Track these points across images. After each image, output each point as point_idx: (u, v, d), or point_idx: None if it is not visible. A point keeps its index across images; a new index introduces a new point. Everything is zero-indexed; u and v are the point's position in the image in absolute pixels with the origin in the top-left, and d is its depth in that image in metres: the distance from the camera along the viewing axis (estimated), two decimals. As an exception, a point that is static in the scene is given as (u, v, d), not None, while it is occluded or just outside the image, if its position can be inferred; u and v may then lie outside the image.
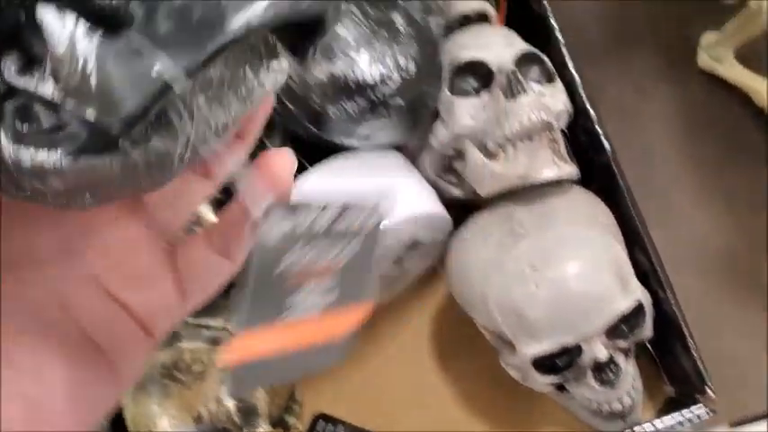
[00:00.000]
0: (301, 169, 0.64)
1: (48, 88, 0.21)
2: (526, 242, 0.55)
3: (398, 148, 0.64)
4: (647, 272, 0.59)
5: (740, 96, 0.74)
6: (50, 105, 0.22)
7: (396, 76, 0.55)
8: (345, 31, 0.55)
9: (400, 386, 0.66)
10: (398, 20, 0.56)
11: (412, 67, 0.56)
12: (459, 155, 0.62)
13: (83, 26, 0.20)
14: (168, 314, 0.30)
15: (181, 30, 0.21)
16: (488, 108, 0.59)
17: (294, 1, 0.22)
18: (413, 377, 0.66)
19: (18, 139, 0.21)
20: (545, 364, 0.55)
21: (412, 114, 0.58)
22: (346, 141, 0.60)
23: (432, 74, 0.58)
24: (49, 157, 0.22)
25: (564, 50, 0.64)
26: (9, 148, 0.22)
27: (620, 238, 0.59)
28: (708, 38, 0.75)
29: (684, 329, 0.58)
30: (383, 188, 0.61)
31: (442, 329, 0.68)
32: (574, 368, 0.55)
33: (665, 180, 0.71)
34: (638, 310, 0.55)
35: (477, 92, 0.61)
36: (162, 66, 0.21)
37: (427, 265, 0.67)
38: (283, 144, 0.65)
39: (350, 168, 0.61)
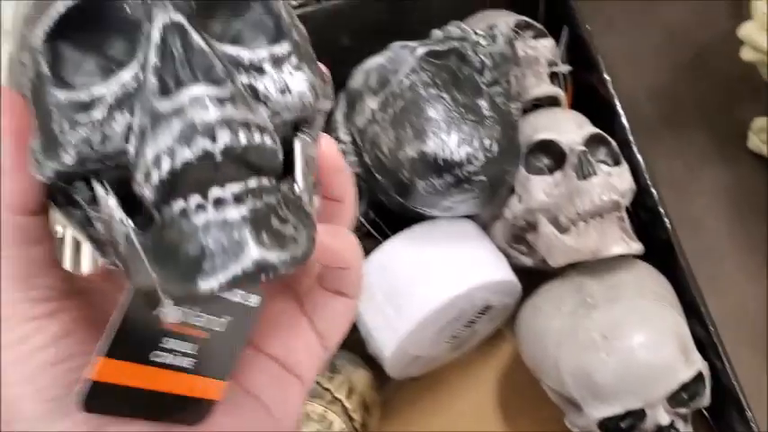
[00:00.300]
0: (381, 233, 0.70)
1: (99, 226, 0.27)
2: (597, 313, 0.60)
3: (471, 217, 0.70)
4: (704, 343, 0.63)
5: (788, 178, 0.80)
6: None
7: (481, 155, 0.61)
8: (437, 114, 0.61)
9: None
10: (483, 105, 0.62)
11: (495, 148, 0.61)
12: (531, 227, 0.67)
13: (121, 213, 0.25)
14: (314, 359, 0.33)
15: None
16: (561, 186, 0.64)
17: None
18: (479, 433, 0.71)
19: (85, 231, 0.28)
20: (610, 426, 0.59)
21: (492, 190, 0.63)
22: (428, 212, 0.65)
23: (512, 153, 0.63)
24: (100, 257, 0.29)
25: (628, 133, 0.69)
26: (78, 231, 0.28)
27: (681, 310, 0.64)
28: (758, 122, 0.80)
29: (742, 399, 0.62)
30: (460, 256, 0.67)
31: (507, 388, 0.72)
32: (637, 431, 0.59)
33: (716, 254, 0.76)
34: (698, 379, 0.60)
35: (551, 170, 0.66)
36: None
37: (495, 327, 0.72)
38: (367, 210, 0.70)
39: (429, 236, 0.67)
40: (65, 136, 0.25)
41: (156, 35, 0.25)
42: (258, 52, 0.27)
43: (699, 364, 0.60)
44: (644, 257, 0.67)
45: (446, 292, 0.62)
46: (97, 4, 0.26)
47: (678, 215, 0.68)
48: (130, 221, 0.25)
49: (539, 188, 0.65)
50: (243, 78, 0.26)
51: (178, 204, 0.25)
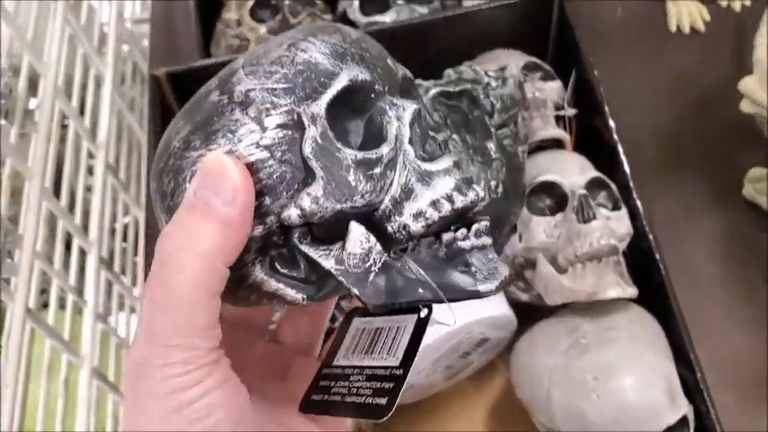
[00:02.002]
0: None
1: (329, 263, 0.33)
2: (589, 355, 0.62)
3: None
4: (690, 387, 0.66)
5: (780, 227, 0.82)
6: (314, 268, 0.34)
7: (485, 196, 0.63)
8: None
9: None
10: (491, 147, 0.64)
11: (500, 189, 0.63)
12: (530, 265, 0.69)
13: (379, 246, 0.33)
14: None
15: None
16: (561, 227, 0.67)
17: None
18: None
19: (276, 274, 0.34)
20: (597, 463, 0.62)
21: (495, 228, 0.65)
22: (433, 247, 0.68)
23: (516, 195, 0.65)
24: (295, 294, 0.34)
25: (629, 178, 0.71)
26: (260, 275, 0.34)
27: (670, 354, 0.66)
28: (754, 172, 0.83)
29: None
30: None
31: (498, 419, 0.74)
32: (622, 470, 0.62)
33: (708, 301, 0.78)
34: (683, 422, 0.62)
35: (552, 211, 0.68)
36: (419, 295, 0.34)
37: (489, 359, 0.75)
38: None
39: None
40: (361, 184, 0.33)
41: (407, 117, 0.35)
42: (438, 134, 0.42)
43: (684, 408, 0.62)
44: (637, 300, 0.69)
45: (441, 326, 0.64)
46: (356, 90, 0.34)
47: (673, 259, 0.70)
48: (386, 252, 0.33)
49: (539, 228, 0.68)
50: None
51: (448, 235, 0.35)
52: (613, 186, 0.70)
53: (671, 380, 0.62)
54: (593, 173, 0.70)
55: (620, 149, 0.72)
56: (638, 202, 0.70)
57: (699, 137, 0.89)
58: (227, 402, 0.31)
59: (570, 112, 0.75)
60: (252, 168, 0.32)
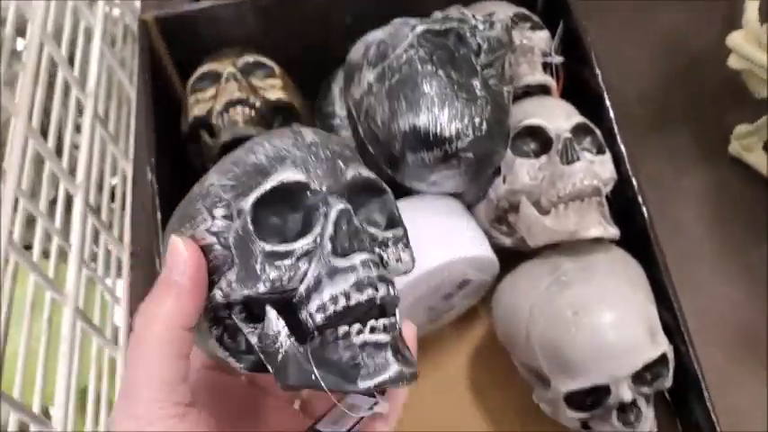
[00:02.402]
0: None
1: (253, 339, 0.39)
2: (569, 291, 0.62)
3: (457, 196, 0.72)
4: (671, 329, 0.66)
5: (764, 183, 0.82)
6: (249, 344, 0.40)
7: (470, 132, 0.63)
8: (431, 90, 0.63)
9: (437, 413, 0.72)
10: (476, 85, 0.64)
11: (484, 127, 0.63)
12: (514, 208, 0.69)
13: (286, 331, 0.38)
14: None
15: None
16: (545, 169, 0.67)
17: None
18: (450, 405, 0.73)
19: (221, 344, 0.40)
20: (575, 400, 0.62)
21: (478, 168, 0.65)
22: (416, 186, 0.68)
23: (500, 134, 0.66)
24: (236, 363, 0.40)
25: (615, 126, 0.71)
26: (213, 342, 0.40)
27: (651, 296, 0.66)
28: (740, 129, 0.83)
29: (703, 385, 0.64)
30: (443, 229, 0.69)
31: (479, 363, 0.75)
32: (601, 407, 0.62)
33: (692, 252, 0.79)
34: (663, 360, 0.62)
35: (537, 154, 0.69)
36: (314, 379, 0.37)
37: (470, 304, 0.75)
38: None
39: (415, 210, 0.69)
40: (265, 273, 0.37)
41: (332, 216, 0.38)
42: (384, 233, 0.42)
43: (664, 346, 0.62)
44: (620, 245, 0.69)
45: (427, 262, 0.65)
46: (290, 189, 0.39)
47: (658, 215, 0.70)
48: (292, 337, 0.38)
49: (523, 170, 0.68)
50: (376, 249, 0.41)
51: (343, 329, 0.38)
52: (598, 132, 0.71)
53: (651, 317, 0.62)
54: (578, 118, 0.70)
55: (606, 97, 0.73)
56: (623, 148, 0.70)
57: (685, 95, 0.89)
58: None
59: (557, 59, 0.76)
60: (205, 249, 0.39)
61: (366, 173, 0.43)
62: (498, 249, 0.71)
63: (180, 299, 0.37)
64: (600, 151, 0.70)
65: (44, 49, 0.74)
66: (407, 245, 0.44)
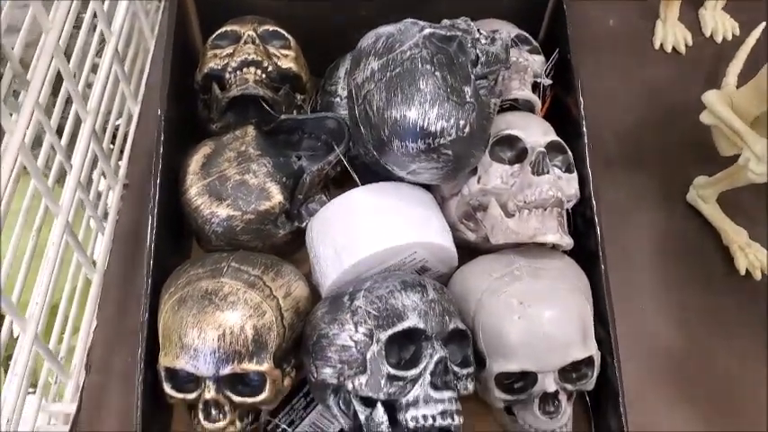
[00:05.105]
0: (351, 183, 0.78)
1: (361, 417, 0.64)
2: (520, 283, 0.69)
3: (432, 189, 0.79)
4: (602, 340, 0.72)
5: (712, 232, 0.90)
6: (356, 414, 0.65)
7: (453, 132, 0.69)
8: (426, 87, 0.69)
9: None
10: (468, 91, 0.70)
11: (467, 130, 0.69)
12: (483, 207, 0.76)
13: (387, 423, 0.62)
14: None
15: None
16: (516, 176, 0.73)
17: None
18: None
19: (337, 406, 0.67)
20: (504, 382, 0.68)
21: (455, 165, 0.71)
22: (397, 171, 0.74)
23: (481, 140, 0.72)
24: (342, 422, 0.67)
25: (586, 151, 0.78)
26: (332, 401, 0.67)
27: (591, 305, 0.72)
28: (699, 179, 0.91)
29: (620, 395, 0.70)
30: (416, 214, 0.75)
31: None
32: (525, 393, 0.68)
33: (634, 279, 0.86)
34: (589, 362, 0.68)
35: (511, 162, 0.75)
36: None
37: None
38: (345, 153, 0.79)
39: (390, 193, 0.75)
40: (386, 388, 0.62)
41: (436, 358, 0.62)
42: (461, 370, 0.65)
43: (593, 350, 0.69)
44: (573, 258, 0.76)
45: (391, 239, 0.71)
46: (413, 332, 0.63)
47: (611, 240, 0.76)
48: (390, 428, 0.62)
49: (497, 174, 0.74)
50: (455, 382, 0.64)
51: None
52: (570, 153, 0.77)
53: (586, 322, 0.69)
54: (554, 137, 0.77)
55: (584, 125, 0.79)
56: (590, 171, 0.77)
57: (657, 142, 0.97)
58: None
59: (546, 81, 0.82)
60: (342, 347, 0.64)
61: (462, 326, 0.66)
62: (460, 245, 0.77)
63: None
64: (568, 170, 0.76)
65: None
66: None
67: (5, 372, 0.70)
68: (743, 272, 0.87)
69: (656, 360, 0.82)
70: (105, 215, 0.89)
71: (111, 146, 0.96)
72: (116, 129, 0.96)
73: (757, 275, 0.87)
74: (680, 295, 0.86)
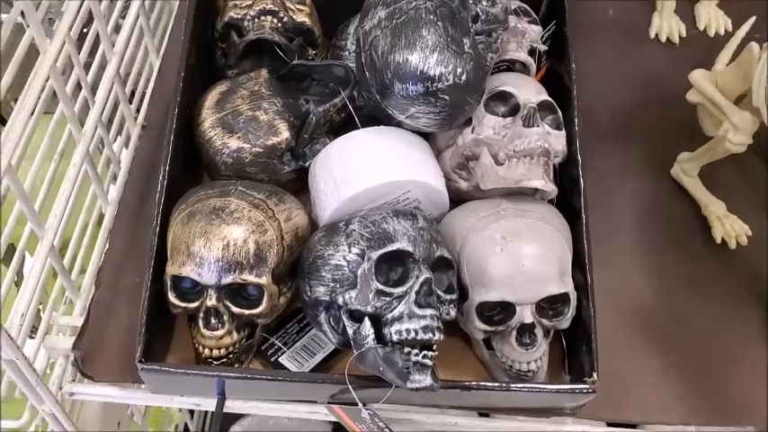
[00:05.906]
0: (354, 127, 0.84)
1: (349, 331, 0.70)
2: (504, 221, 0.74)
3: (429, 140, 0.84)
4: (579, 285, 0.77)
5: (693, 204, 0.95)
6: (344, 330, 0.71)
7: (450, 78, 0.74)
8: (428, 35, 0.75)
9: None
10: (466, 42, 0.76)
11: (463, 77, 0.75)
12: (475, 156, 0.81)
13: (373, 336, 0.68)
14: None
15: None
16: (508, 128, 0.79)
17: None
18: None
19: (328, 323, 0.73)
20: (485, 312, 0.73)
21: (451, 111, 0.77)
22: (397, 115, 0.79)
23: (475, 89, 0.77)
24: (332, 337, 0.74)
25: (576, 115, 0.83)
26: (322, 319, 0.74)
27: (570, 246, 0.77)
28: (683, 155, 0.96)
29: (593, 335, 0.74)
30: (414, 156, 0.80)
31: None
32: (504, 325, 0.73)
33: (616, 238, 0.91)
34: (565, 299, 0.73)
35: (504, 116, 0.81)
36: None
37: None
38: (351, 98, 0.84)
39: (389, 136, 0.81)
40: (373, 302, 0.67)
41: (421, 279, 0.67)
42: (445, 296, 0.70)
43: (569, 287, 0.73)
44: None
45: (387, 175, 0.76)
46: (402, 254, 0.69)
47: (595, 202, 0.81)
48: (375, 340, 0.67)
49: (490, 125, 0.80)
50: (439, 305, 0.69)
51: (407, 349, 0.66)
52: (560, 113, 0.83)
53: (564, 261, 0.74)
54: (546, 97, 0.82)
55: (575, 91, 0.85)
56: (577, 130, 0.82)
57: (646, 122, 1.02)
58: None
59: (542, 46, 0.88)
60: (336, 266, 0.69)
61: (447, 254, 0.71)
62: (452, 198, 0.82)
63: None
64: (557, 128, 0.82)
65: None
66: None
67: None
68: (719, 240, 0.92)
69: (631, 315, 0.86)
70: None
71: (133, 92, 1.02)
72: (135, 86, 1.02)
73: (732, 244, 0.91)
74: (658, 258, 0.90)
